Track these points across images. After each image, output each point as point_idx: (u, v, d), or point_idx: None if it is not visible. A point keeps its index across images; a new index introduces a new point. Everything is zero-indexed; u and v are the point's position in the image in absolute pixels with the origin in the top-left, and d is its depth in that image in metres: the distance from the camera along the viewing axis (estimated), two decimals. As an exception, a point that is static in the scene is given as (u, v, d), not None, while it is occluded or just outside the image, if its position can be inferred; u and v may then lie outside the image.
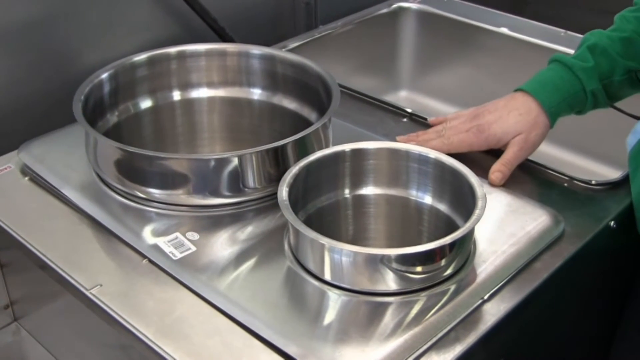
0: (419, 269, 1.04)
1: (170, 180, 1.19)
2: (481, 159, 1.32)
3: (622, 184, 1.29)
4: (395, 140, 1.33)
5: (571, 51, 1.65)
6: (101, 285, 1.08)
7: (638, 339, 1.26)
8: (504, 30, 1.78)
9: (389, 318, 1.02)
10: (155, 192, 1.20)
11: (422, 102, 1.90)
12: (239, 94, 1.45)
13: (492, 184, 1.26)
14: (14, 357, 1.43)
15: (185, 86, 1.44)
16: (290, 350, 0.97)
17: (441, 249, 1.03)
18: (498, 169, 1.26)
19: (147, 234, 1.16)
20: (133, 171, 1.21)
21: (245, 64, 1.44)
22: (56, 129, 1.40)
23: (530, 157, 1.32)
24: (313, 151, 1.21)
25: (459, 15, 1.84)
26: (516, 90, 1.30)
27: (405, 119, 1.48)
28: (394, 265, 1.02)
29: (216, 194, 1.19)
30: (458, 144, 1.29)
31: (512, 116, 1.27)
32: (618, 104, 1.32)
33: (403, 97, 1.92)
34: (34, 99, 1.47)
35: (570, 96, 1.27)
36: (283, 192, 1.09)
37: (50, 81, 1.49)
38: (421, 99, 1.91)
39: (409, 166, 1.20)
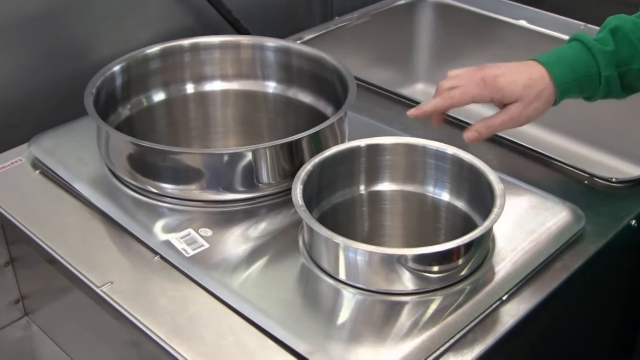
0: (435, 268, 1.02)
1: (183, 175, 1.18)
2: (498, 154, 1.30)
3: (643, 181, 1.27)
4: (412, 136, 1.31)
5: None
6: (112, 283, 1.07)
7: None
8: (523, 22, 1.75)
9: (404, 318, 1.00)
10: (168, 187, 1.18)
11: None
12: (254, 87, 1.44)
13: (465, 141, 1.22)
14: (25, 351, 1.42)
15: (198, 79, 1.43)
16: (304, 350, 0.95)
17: (459, 248, 1.02)
18: (477, 129, 1.22)
19: (159, 230, 1.15)
20: (145, 166, 1.19)
21: (259, 57, 1.43)
22: (67, 122, 1.39)
23: (551, 154, 1.30)
24: (328, 146, 1.19)
25: (477, 7, 1.82)
26: (531, 59, 1.25)
27: (422, 113, 1.46)
28: (411, 265, 1.00)
29: (230, 189, 1.17)
30: (460, 98, 1.22)
31: (522, 77, 1.20)
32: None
33: (419, 90, 1.90)
34: (45, 91, 1.46)
35: (583, 78, 1.21)
36: (297, 189, 1.08)
37: (61, 74, 1.47)
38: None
39: (425, 162, 1.18)
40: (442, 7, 1.88)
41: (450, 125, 1.42)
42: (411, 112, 1.24)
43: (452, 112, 1.43)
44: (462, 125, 1.41)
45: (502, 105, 1.21)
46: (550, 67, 1.21)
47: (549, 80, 1.20)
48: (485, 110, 1.75)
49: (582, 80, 1.21)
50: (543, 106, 1.21)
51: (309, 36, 1.72)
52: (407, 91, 1.84)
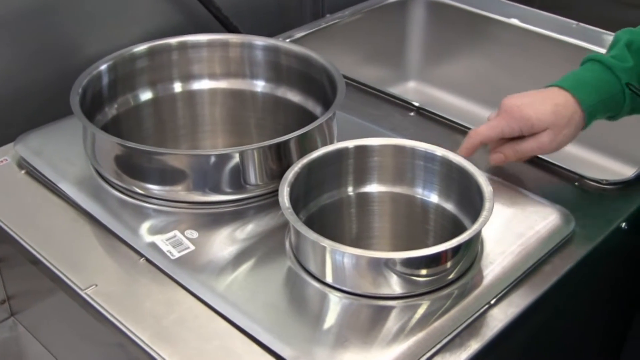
0: (423, 272, 1.01)
1: (169, 176, 1.17)
2: (487, 155, 1.29)
3: (634, 183, 1.26)
4: (402, 137, 1.30)
5: (583, 43, 1.63)
6: (96, 285, 1.06)
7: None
8: (515, 21, 1.75)
9: (391, 323, 0.99)
10: (154, 188, 1.17)
11: (430, 93, 1.88)
12: (242, 86, 1.43)
13: (490, 162, 1.23)
14: (11, 352, 1.41)
15: (186, 78, 1.42)
16: (290, 356, 0.94)
17: (447, 252, 1.01)
18: (505, 152, 1.22)
19: (145, 232, 1.14)
20: (131, 166, 1.18)
21: (248, 55, 1.42)
22: (54, 121, 1.38)
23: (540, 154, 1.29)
24: (317, 146, 1.18)
25: (469, 6, 1.82)
26: (548, 87, 1.23)
27: (412, 113, 1.45)
28: (398, 268, 0.99)
29: (216, 190, 1.17)
30: (488, 130, 1.21)
31: (547, 104, 1.18)
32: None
33: (411, 88, 1.90)
34: (32, 90, 1.45)
35: (608, 97, 1.20)
36: (284, 192, 1.07)
37: (49, 72, 1.46)
38: (430, 90, 1.89)
39: (414, 163, 1.17)
40: (434, 5, 1.87)
41: (440, 126, 1.41)
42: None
43: (444, 113, 1.43)
44: (452, 126, 1.41)
45: (530, 134, 1.20)
46: (574, 92, 1.19)
47: (575, 105, 1.19)
48: (485, 113, 1.75)
49: (608, 101, 1.20)
50: (574, 132, 1.20)
51: (299, 34, 1.71)
52: (399, 89, 1.84)
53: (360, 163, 1.18)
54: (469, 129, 1.38)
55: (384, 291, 1.01)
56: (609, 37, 1.61)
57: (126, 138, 1.18)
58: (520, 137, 1.21)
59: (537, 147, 1.20)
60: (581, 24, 1.69)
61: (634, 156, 1.45)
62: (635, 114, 1.23)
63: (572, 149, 1.60)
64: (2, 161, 1.31)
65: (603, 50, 1.58)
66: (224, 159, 1.15)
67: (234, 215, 1.17)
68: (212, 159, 1.15)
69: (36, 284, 1.23)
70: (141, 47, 1.37)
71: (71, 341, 1.27)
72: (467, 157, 1.17)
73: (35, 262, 1.13)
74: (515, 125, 1.19)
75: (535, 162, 1.30)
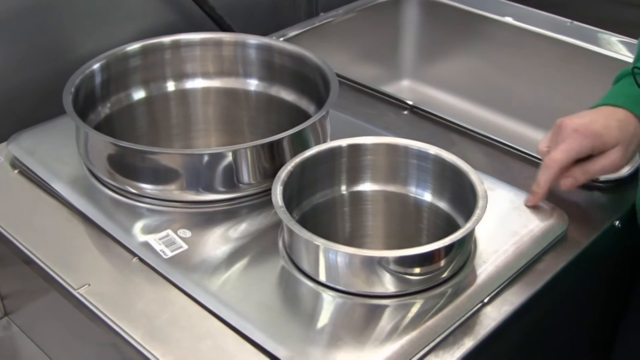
0: (416, 270, 1.01)
1: (162, 176, 1.17)
2: (481, 154, 1.29)
3: (627, 182, 1.26)
4: (395, 135, 1.30)
5: (577, 42, 1.63)
6: (89, 285, 1.06)
7: (639, 344, 1.24)
8: (509, 19, 1.75)
9: (385, 322, 0.99)
10: (147, 187, 1.17)
11: (424, 91, 1.88)
12: (235, 84, 1.43)
13: (561, 187, 1.17)
14: (5, 352, 1.42)
15: (179, 77, 1.42)
16: (283, 355, 0.94)
17: (440, 250, 1.01)
18: (575, 176, 1.16)
19: (138, 231, 1.14)
20: (124, 166, 1.18)
21: (241, 54, 1.42)
22: (47, 120, 1.38)
23: (533, 151, 1.30)
24: (310, 145, 1.18)
25: (463, 4, 1.82)
26: (597, 106, 1.18)
27: (406, 112, 1.45)
28: (392, 267, 0.99)
29: (210, 189, 1.16)
30: (563, 155, 1.14)
31: (611, 121, 1.13)
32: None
33: (405, 87, 1.90)
34: (24, 89, 1.45)
35: None
36: (277, 190, 1.07)
37: (41, 71, 1.46)
38: (424, 88, 1.89)
39: (408, 162, 1.17)
40: (428, 3, 1.87)
41: (434, 124, 1.41)
42: (529, 202, 1.19)
43: (438, 112, 1.43)
44: (446, 125, 1.41)
45: (599, 153, 1.15)
46: (630, 107, 1.15)
47: (635, 119, 1.15)
48: (480, 111, 1.76)
49: None
50: (637, 147, 1.16)
51: (293, 33, 1.71)
52: (392, 88, 1.83)
53: (353, 162, 1.18)
54: (463, 127, 1.39)
55: (378, 290, 1.01)
56: (604, 35, 1.62)
57: (119, 137, 1.18)
58: (586, 159, 1.16)
59: (609, 165, 1.14)
60: (575, 23, 1.69)
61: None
62: None
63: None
64: (-5, 161, 1.31)
65: (597, 49, 1.59)
66: (217, 158, 1.15)
67: (227, 214, 1.17)
68: (205, 158, 1.15)
69: (30, 283, 1.23)
70: (134, 46, 1.37)
71: (65, 341, 1.27)
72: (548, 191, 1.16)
73: (28, 261, 1.12)
74: (587, 143, 1.13)
75: (529, 160, 1.30)
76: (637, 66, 1.16)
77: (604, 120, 1.13)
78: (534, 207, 1.18)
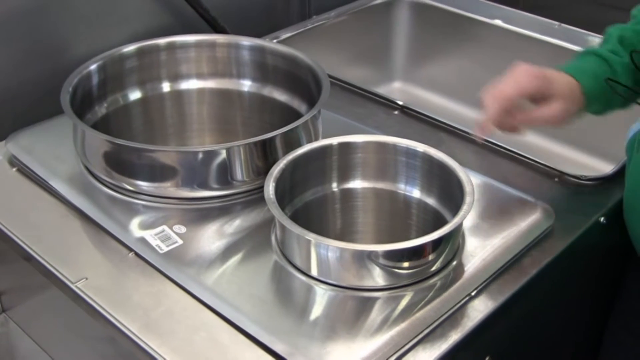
0: (406, 264, 1.03)
1: (158, 173, 1.19)
2: (468, 151, 1.31)
3: (613, 179, 1.28)
4: (385, 134, 1.31)
5: (565, 44, 1.65)
6: (87, 279, 1.08)
7: (627, 338, 1.26)
8: (498, 22, 1.77)
9: (375, 314, 1.01)
10: (143, 184, 1.19)
11: (415, 93, 1.89)
12: (229, 85, 1.45)
13: (501, 129, 1.17)
14: (2, 348, 1.42)
15: (174, 77, 1.44)
16: (276, 347, 0.97)
17: (428, 244, 1.03)
18: (515, 119, 1.15)
19: (134, 227, 1.16)
20: (121, 163, 1.20)
21: (235, 56, 1.44)
22: (45, 120, 1.40)
23: (521, 151, 1.32)
24: (302, 143, 1.20)
25: (453, 7, 1.83)
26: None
27: (396, 112, 1.47)
28: (381, 261, 1.01)
29: (204, 186, 1.18)
30: (511, 88, 1.14)
31: (564, 78, 1.16)
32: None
33: (396, 89, 1.91)
34: (23, 89, 1.46)
35: (605, 88, 1.18)
36: (270, 187, 1.09)
37: (39, 71, 1.48)
38: (415, 90, 1.90)
39: (397, 160, 1.19)
40: (419, 6, 1.89)
41: (423, 124, 1.43)
42: (477, 132, 1.18)
43: (425, 111, 1.45)
44: (435, 124, 1.43)
45: (539, 101, 1.16)
46: (578, 77, 1.18)
47: (578, 89, 1.17)
48: (468, 112, 1.77)
49: (604, 90, 1.18)
50: (577, 113, 1.19)
51: (286, 35, 1.72)
52: (384, 89, 1.85)
53: (344, 159, 1.20)
54: (452, 127, 1.40)
55: (368, 283, 1.03)
56: (591, 37, 1.64)
57: (115, 137, 1.19)
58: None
59: (549, 114, 1.15)
60: (563, 25, 1.71)
61: (613, 153, 1.47)
62: (625, 107, 1.23)
63: (552, 146, 1.63)
64: (-7, 159, 1.33)
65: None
66: (211, 155, 1.17)
67: (221, 210, 1.19)
68: (200, 156, 1.17)
69: (27, 279, 1.25)
70: (130, 48, 1.39)
71: (62, 336, 1.28)
72: (495, 126, 1.15)
73: (26, 257, 1.14)
74: (536, 83, 1.14)
75: (516, 158, 1.32)
76: (637, 50, 1.18)
77: (556, 74, 1.16)
78: (482, 140, 1.21)
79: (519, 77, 1.15)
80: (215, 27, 1.66)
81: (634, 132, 1.24)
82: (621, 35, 1.21)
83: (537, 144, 1.65)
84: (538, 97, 1.15)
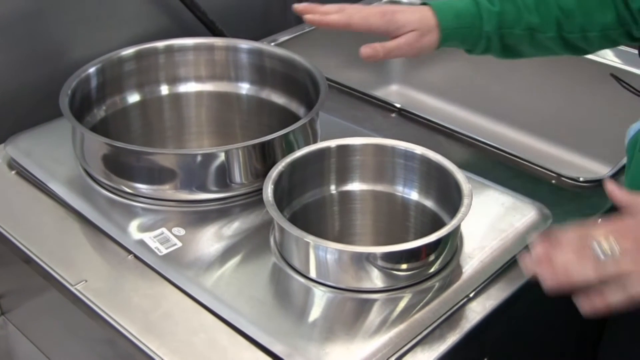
0: (404, 266, 1.04)
1: (157, 176, 1.19)
2: (466, 153, 1.32)
3: (609, 181, 1.28)
4: (383, 137, 1.32)
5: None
6: (86, 281, 1.08)
7: (626, 339, 1.26)
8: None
9: (374, 315, 1.02)
10: (142, 187, 1.20)
11: (413, 96, 1.90)
12: (227, 88, 1.45)
13: (361, 55, 1.26)
14: (1, 350, 1.43)
15: (173, 80, 1.44)
16: (275, 348, 0.97)
17: (426, 246, 1.03)
18: (373, 47, 1.25)
19: (133, 229, 1.16)
20: (120, 166, 1.20)
21: (233, 59, 1.44)
22: (44, 123, 1.40)
23: (519, 153, 1.32)
24: (300, 146, 1.21)
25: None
26: (423, 4, 1.30)
27: (393, 114, 1.48)
28: (379, 262, 1.02)
29: (203, 189, 1.19)
30: (359, 20, 1.25)
31: (416, 14, 1.25)
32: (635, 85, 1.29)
33: (394, 91, 1.92)
34: (21, 92, 1.47)
35: (466, 29, 1.26)
36: (268, 189, 1.09)
37: (38, 75, 1.48)
38: (412, 93, 1.91)
39: (395, 162, 1.19)
40: (416, 9, 1.89)
41: (421, 126, 1.43)
42: (299, 8, 1.28)
43: (423, 113, 1.46)
44: (432, 127, 1.43)
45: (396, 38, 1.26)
46: (437, 11, 1.25)
47: (435, 22, 1.25)
48: (465, 114, 1.78)
49: (465, 31, 1.26)
50: (433, 42, 1.26)
51: (283, 38, 1.73)
52: (381, 93, 1.85)
53: (342, 162, 1.20)
54: (449, 129, 1.41)
55: (366, 285, 1.04)
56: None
57: (114, 139, 1.20)
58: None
59: (404, 42, 1.25)
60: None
61: (609, 156, 1.48)
62: (489, 54, 1.30)
63: (549, 148, 1.64)
64: (-8, 162, 1.33)
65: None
66: (210, 158, 1.17)
67: (220, 213, 1.19)
68: (199, 158, 1.17)
69: (27, 282, 1.25)
70: (129, 51, 1.39)
71: (61, 338, 1.29)
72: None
73: (26, 259, 1.15)
74: (384, 25, 1.25)
75: (513, 160, 1.32)
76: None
77: (410, 13, 1.25)
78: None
79: (370, 15, 1.25)
80: (213, 31, 1.66)
81: (634, 131, 1.24)
82: None
83: (535, 146, 1.65)
84: (392, 30, 1.25)
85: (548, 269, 0.87)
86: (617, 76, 1.22)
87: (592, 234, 0.87)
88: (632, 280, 0.84)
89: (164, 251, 1.12)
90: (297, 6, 1.28)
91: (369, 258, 1.02)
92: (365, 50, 1.24)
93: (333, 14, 1.26)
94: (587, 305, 0.89)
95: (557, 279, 0.87)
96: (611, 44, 1.28)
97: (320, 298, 1.05)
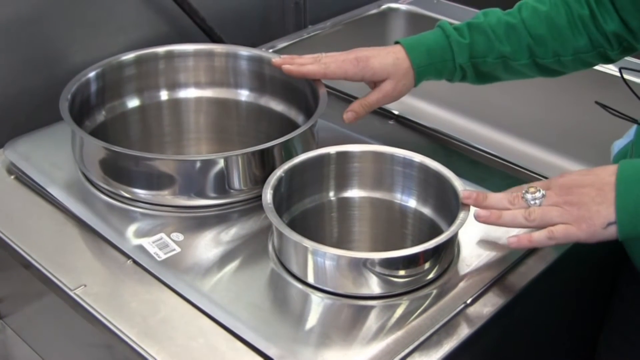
0: (402, 272, 1.04)
1: (155, 181, 1.19)
2: (463, 161, 1.32)
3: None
4: (381, 144, 1.32)
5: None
6: (85, 286, 1.08)
7: (621, 345, 1.26)
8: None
9: (371, 322, 1.02)
10: (141, 192, 1.20)
11: (410, 103, 1.89)
12: (227, 94, 1.45)
13: (345, 121, 1.30)
14: (-1, 355, 1.43)
15: (172, 86, 1.44)
16: (272, 353, 0.97)
17: (424, 253, 1.03)
18: (353, 109, 1.30)
19: (132, 235, 1.16)
20: (119, 171, 1.21)
21: (232, 65, 1.44)
22: (43, 127, 1.40)
23: (514, 160, 1.33)
24: (299, 153, 1.21)
25: (449, 17, 1.83)
26: (396, 43, 1.32)
27: (391, 121, 1.48)
28: (377, 269, 1.02)
29: (201, 195, 1.19)
30: (334, 70, 1.29)
31: (390, 57, 1.29)
32: (616, 107, 1.30)
33: (392, 98, 1.92)
34: (21, 96, 1.47)
35: (439, 63, 1.29)
36: (267, 194, 1.09)
37: (37, 79, 1.49)
38: (409, 100, 1.90)
39: (393, 169, 1.20)
40: (414, 16, 1.90)
41: (418, 133, 1.44)
42: (277, 62, 1.34)
43: (421, 120, 1.46)
44: (429, 134, 1.43)
45: (373, 84, 1.31)
46: (409, 51, 1.29)
47: (408, 62, 1.28)
48: (462, 121, 1.78)
49: (438, 65, 1.30)
50: (409, 84, 1.30)
51: (282, 44, 1.73)
52: (379, 99, 1.85)
53: (341, 169, 1.21)
54: (446, 136, 1.41)
55: (364, 291, 1.04)
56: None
57: (113, 144, 1.20)
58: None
59: (382, 96, 1.30)
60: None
61: (607, 164, 1.48)
62: (466, 82, 1.35)
63: (546, 156, 1.64)
64: (-9, 166, 1.33)
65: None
66: (209, 164, 1.17)
67: (218, 218, 1.20)
68: (198, 164, 1.18)
69: (25, 286, 1.25)
70: (129, 56, 1.39)
71: (59, 343, 1.29)
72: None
73: (25, 264, 1.15)
74: (359, 72, 1.29)
75: (511, 168, 1.33)
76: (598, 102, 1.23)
77: (383, 57, 1.29)
78: None
79: (345, 63, 1.29)
80: (212, 37, 1.67)
81: (619, 147, 1.25)
82: (477, 24, 1.29)
83: (532, 154, 1.66)
84: (368, 77, 1.29)
85: (485, 212, 1.07)
86: (602, 103, 1.23)
87: (522, 187, 1.07)
88: (551, 215, 1.03)
89: (163, 256, 1.12)
90: (276, 60, 1.35)
91: (366, 264, 1.02)
92: (347, 116, 1.31)
93: (309, 65, 1.30)
94: (513, 240, 1.06)
95: (490, 221, 1.07)
96: (586, 65, 1.30)
97: (317, 304, 1.05)
